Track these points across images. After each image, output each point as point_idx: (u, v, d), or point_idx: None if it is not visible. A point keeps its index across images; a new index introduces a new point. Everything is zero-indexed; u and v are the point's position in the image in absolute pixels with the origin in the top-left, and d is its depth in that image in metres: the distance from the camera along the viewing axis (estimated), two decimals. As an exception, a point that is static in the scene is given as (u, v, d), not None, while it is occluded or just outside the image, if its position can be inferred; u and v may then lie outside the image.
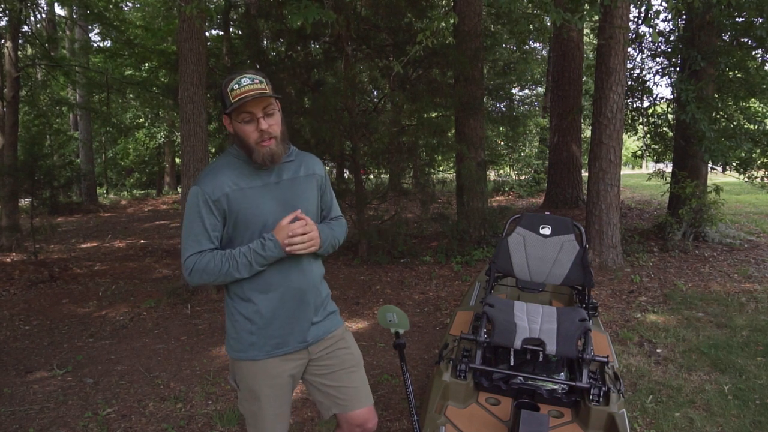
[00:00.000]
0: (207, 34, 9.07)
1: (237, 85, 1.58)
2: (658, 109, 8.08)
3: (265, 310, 1.70)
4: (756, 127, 6.94)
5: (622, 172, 6.43)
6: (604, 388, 2.26)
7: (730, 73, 7.02)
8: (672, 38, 7.51)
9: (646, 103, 8.16)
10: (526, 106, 18.36)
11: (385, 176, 8.10)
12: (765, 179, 7.49)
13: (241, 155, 1.69)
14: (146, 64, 13.01)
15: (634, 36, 7.50)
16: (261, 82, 1.60)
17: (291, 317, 1.73)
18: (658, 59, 7.81)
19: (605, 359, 2.42)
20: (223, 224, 1.68)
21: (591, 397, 2.25)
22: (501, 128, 15.93)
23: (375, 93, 8.35)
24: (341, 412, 1.84)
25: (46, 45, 10.91)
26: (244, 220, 1.66)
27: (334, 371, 1.82)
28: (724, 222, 7.36)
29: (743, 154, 7.19)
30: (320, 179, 1.83)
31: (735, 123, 7.13)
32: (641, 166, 30.11)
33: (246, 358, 1.72)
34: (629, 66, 7.54)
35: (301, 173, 1.76)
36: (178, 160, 20.16)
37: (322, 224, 1.81)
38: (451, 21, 4.64)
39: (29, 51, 11.90)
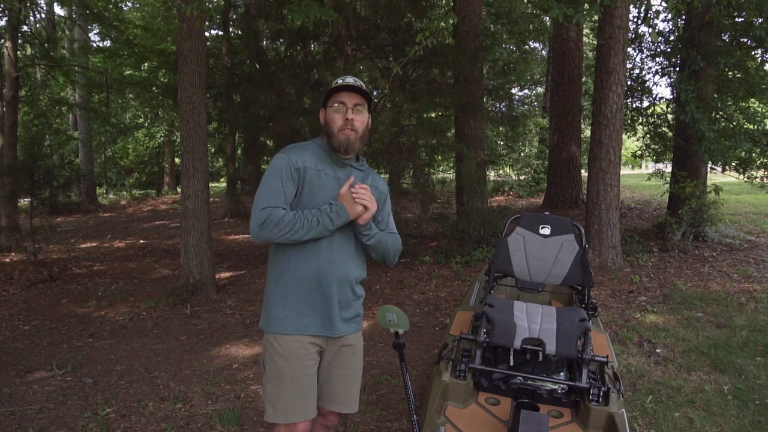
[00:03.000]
0: (207, 34, 9.07)
1: (341, 80, 1.84)
2: (658, 109, 8.08)
3: (305, 288, 1.82)
4: (755, 127, 6.94)
5: (621, 172, 6.43)
6: (603, 388, 2.26)
7: (730, 73, 7.02)
8: (672, 38, 7.51)
9: (645, 103, 8.16)
10: (526, 106, 18.34)
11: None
12: (764, 179, 7.49)
13: (324, 146, 1.89)
14: (146, 64, 13.00)
15: (633, 36, 7.50)
16: (362, 86, 1.84)
17: (323, 302, 1.84)
18: (657, 59, 7.81)
19: (605, 359, 2.42)
20: (295, 194, 1.82)
21: (591, 397, 2.25)
22: (501, 128, 15.89)
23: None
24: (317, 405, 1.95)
25: (46, 45, 10.91)
26: (308, 198, 1.81)
27: (331, 371, 1.93)
28: (723, 222, 7.36)
29: (743, 154, 7.19)
30: (381, 195, 1.97)
31: (734, 123, 7.13)
32: (641, 166, 30.11)
33: (276, 331, 1.83)
34: (629, 66, 7.54)
35: (369, 183, 1.93)
36: (177, 160, 20.16)
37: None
38: (451, 21, 4.63)
39: (29, 51, 11.89)
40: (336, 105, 1.83)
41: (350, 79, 1.83)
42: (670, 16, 6.13)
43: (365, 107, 1.86)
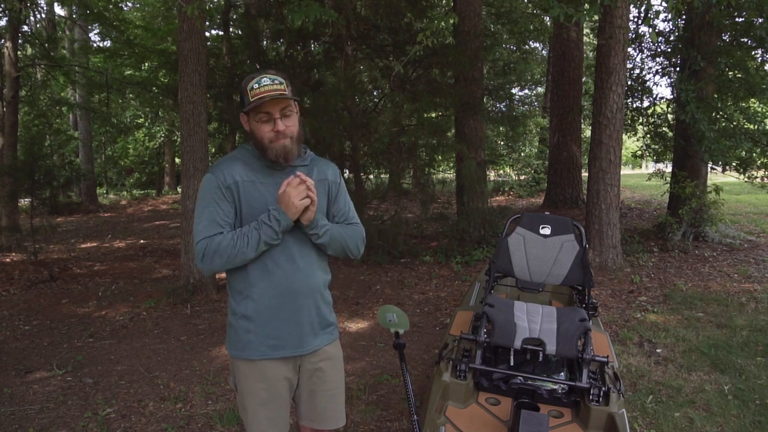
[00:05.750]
0: (207, 34, 9.07)
1: (257, 84, 1.61)
2: (658, 109, 8.08)
3: (265, 308, 1.69)
4: (756, 127, 6.94)
5: (622, 172, 6.43)
6: (604, 388, 2.26)
7: (730, 73, 7.02)
8: (672, 38, 7.51)
9: (646, 103, 8.16)
10: (526, 106, 18.36)
11: (385, 176, 8.10)
12: (765, 179, 7.49)
13: (256, 152, 1.71)
14: (146, 64, 13.00)
15: (634, 36, 7.50)
16: (281, 83, 1.63)
17: (290, 319, 1.71)
18: (658, 59, 7.81)
19: (605, 359, 2.42)
20: (235, 213, 1.68)
21: (591, 397, 2.25)
22: (501, 128, 15.92)
23: (375, 93, 8.35)
24: (302, 425, 1.89)
25: (46, 45, 10.91)
26: (249, 213, 1.66)
27: (313, 389, 1.82)
28: (724, 222, 7.36)
29: (743, 154, 7.19)
30: (332, 185, 1.81)
31: (735, 123, 7.13)
32: (641, 166, 30.10)
33: (242, 357, 1.72)
34: (629, 66, 7.54)
35: (313, 177, 1.73)
36: (178, 160, 20.15)
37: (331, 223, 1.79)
38: (451, 21, 4.63)
39: (29, 51, 11.90)
40: (261, 116, 1.63)
41: (266, 81, 1.61)
42: (670, 16, 6.13)
43: (293, 104, 1.67)
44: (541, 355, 2.43)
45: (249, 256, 1.63)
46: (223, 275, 1.76)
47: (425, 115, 7.45)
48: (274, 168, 1.70)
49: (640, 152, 9.38)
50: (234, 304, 1.73)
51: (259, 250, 1.63)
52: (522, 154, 17.35)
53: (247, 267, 1.67)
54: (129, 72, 14.38)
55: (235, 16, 9.99)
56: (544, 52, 16.70)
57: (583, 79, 11.05)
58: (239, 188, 1.65)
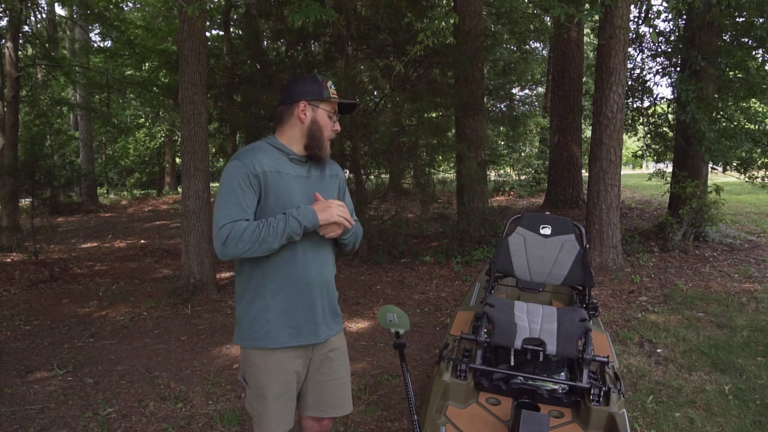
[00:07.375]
0: (207, 34, 9.07)
1: (333, 86, 1.81)
2: (658, 109, 8.08)
3: (285, 298, 1.74)
4: (756, 127, 6.94)
5: (622, 172, 6.43)
6: (604, 388, 2.26)
7: (730, 73, 7.02)
8: (672, 38, 7.52)
9: (646, 103, 8.17)
10: (526, 106, 18.35)
11: (385, 176, 8.11)
12: (765, 179, 7.49)
13: (280, 144, 1.78)
14: (147, 64, 13.00)
15: (634, 36, 7.50)
16: (356, 103, 1.93)
17: (307, 309, 1.77)
18: (658, 59, 7.81)
19: (605, 359, 2.42)
20: (258, 201, 1.71)
21: (591, 397, 2.25)
22: (501, 128, 15.94)
23: (375, 93, 8.34)
24: (308, 416, 1.92)
25: (47, 45, 10.91)
26: (274, 203, 1.70)
27: (321, 379, 1.87)
28: (724, 222, 7.36)
29: (743, 154, 7.19)
30: (341, 182, 1.94)
31: (735, 123, 7.12)
32: (641, 166, 30.10)
33: (259, 346, 1.75)
34: (629, 66, 7.54)
35: (327, 173, 1.87)
36: (178, 160, 20.15)
37: None
38: (452, 21, 4.63)
39: (29, 51, 11.90)
40: (331, 113, 1.80)
41: (333, 88, 1.82)
42: (670, 16, 6.13)
43: None
44: (541, 355, 2.43)
45: (272, 247, 1.65)
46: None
47: (425, 115, 7.45)
48: (294, 161, 1.78)
49: (640, 152, 9.38)
50: (251, 295, 1.75)
51: (281, 242, 1.66)
52: (522, 154, 17.37)
53: (264, 258, 1.70)
54: (129, 72, 14.39)
55: (235, 16, 10.00)
56: (544, 52, 16.70)
57: (584, 79, 11.05)
58: (266, 178, 1.69)
